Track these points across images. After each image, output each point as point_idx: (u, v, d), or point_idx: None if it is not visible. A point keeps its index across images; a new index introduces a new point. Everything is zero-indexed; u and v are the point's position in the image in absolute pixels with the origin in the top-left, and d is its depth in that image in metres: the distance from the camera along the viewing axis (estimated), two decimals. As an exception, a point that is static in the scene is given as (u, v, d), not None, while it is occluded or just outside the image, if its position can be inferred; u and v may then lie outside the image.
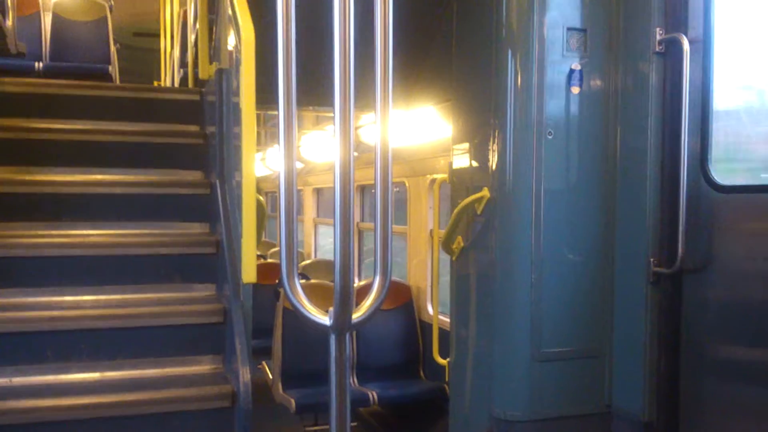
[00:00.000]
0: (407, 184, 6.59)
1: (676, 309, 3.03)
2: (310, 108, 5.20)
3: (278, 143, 1.51)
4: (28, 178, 3.86)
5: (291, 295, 1.53)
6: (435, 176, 5.62)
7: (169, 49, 7.50)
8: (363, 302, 1.56)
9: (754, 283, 2.77)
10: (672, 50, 2.99)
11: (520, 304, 3.19)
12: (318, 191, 10.24)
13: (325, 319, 1.54)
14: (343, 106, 1.44)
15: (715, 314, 2.94)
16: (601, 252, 3.27)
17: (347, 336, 1.58)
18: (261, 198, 3.24)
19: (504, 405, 3.28)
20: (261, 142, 7.92)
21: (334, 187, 1.47)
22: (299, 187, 10.44)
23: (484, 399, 3.42)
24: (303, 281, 7.17)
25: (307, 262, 9.30)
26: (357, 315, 1.54)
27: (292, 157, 1.52)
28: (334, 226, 1.48)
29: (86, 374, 3.16)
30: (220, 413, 3.04)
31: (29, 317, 3.17)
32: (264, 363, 6.48)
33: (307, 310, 1.54)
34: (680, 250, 2.92)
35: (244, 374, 2.92)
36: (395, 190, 7.46)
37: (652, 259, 3.07)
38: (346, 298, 1.49)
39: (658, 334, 3.08)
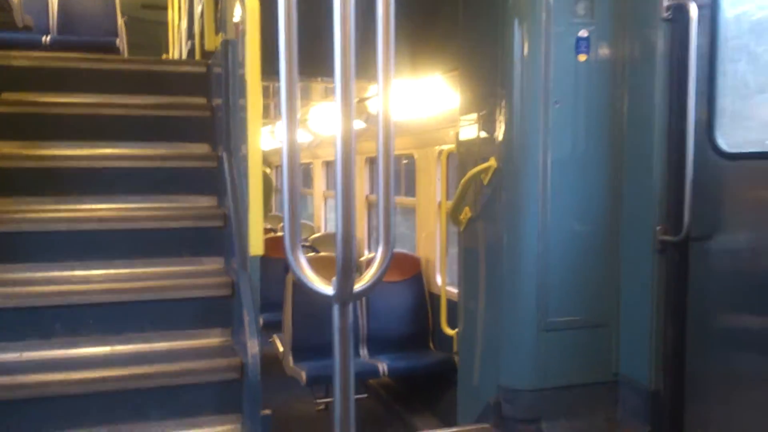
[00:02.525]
0: (416, 156, 6.56)
1: (682, 277, 3.02)
2: (318, 79, 5.16)
3: (280, 116, 1.50)
4: (36, 152, 3.87)
5: (294, 266, 1.54)
6: (443, 147, 5.60)
7: (177, 21, 7.47)
8: (366, 272, 1.56)
9: (761, 251, 2.75)
10: (679, 16, 2.94)
11: (526, 274, 3.19)
12: (327, 164, 10.22)
13: (328, 289, 1.54)
14: (344, 76, 1.42)
15: (721, 283, 2.92)
16: (608, 221, 3.25)
17: (351, 306, 1.58)
18: (268, 171, 3.24)
19: (511, 374, 3.30)
20: (270, 115, 7.87)
21: (335, 160, 1.47)
22: (309, 161, 10.42)
23: (491, 368, 3.44)
24: (312, 254, 7.21)
25: (316, 235, 9.32)
26: (360, 284, 1.55)
27: (294, 130, 1.51)
28: (336, 196, 1.47)
29: (96, 348, 3.19)
30: (230, 385, 3.07)
31: (38, 292, 3.20)
32: (275, 336, 6.54)
33: (310, 281, 1.54)
34: (687, 218, 2.91)
35: (252, 346, 2.94)
36: (404, 162, 7.44)
37: (658, 228, 3.05)
38: (347, 268, 1.49)
39: (664, 302, 3.07)
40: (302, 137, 9.26)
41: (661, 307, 3.08)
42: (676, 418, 3.06)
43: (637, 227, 3.17)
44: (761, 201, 2.83)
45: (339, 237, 1.48)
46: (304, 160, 10.63)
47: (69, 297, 3.20)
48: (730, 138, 2.86)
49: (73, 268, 3.43)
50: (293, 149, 1.49)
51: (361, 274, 1.56)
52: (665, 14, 2.98)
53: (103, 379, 2.96)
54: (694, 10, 2.85)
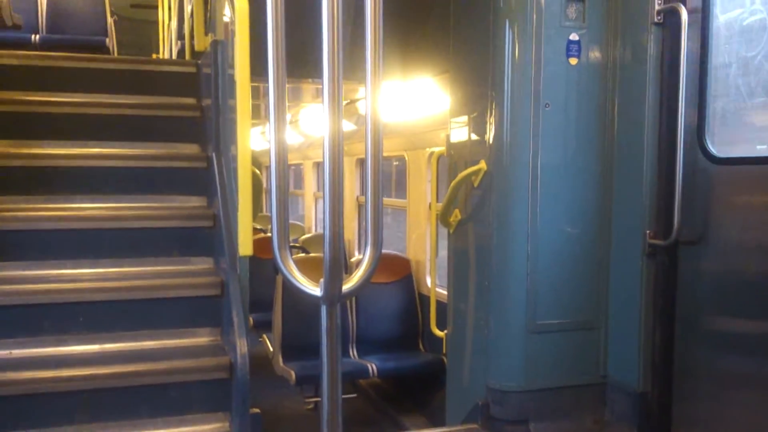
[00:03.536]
0: (406, 158, 6.57)
1: (671, 281, 3.03)
2: (309, 80, 5.16)
3: (268, 117, 1.51)
4: (25, 151, 3.85)
5: (282, 267, 1.54)
6: (433, 149, 5.60)
7: (167, 21, 7.44)
8: (354, 273, 1.57)
9: (749, 255, 2.77)
10: (671, 21, 2.96)
11: (515, 277, 3.20)
12: (318, 165, 10.21)
13: (316, 290, 1.54)
14: (332, 77, 1.43)
15: (710, 286, 2.94)
16: (598, 224, 3.26)
17: (339, 307, 1.59)
18: (257, 171, 3.24)
19: (500, 376, 3.30)
20: (260, 116, 7.86)
21: (323, 159, 1.47)
22: (299, 162, 10.41)
23: (480, 370, 3.44)
24: (302, 255, 7.20)
25: (307, 236, 9.31)
26: (348, 285, 1.55)
27: (282, 130, 1.51)
28: (323, 197, 1.48)
29: (85, 346, 3.18)
30: (219, 384, 3.07)
31: (28, 290, 3.19)
32: (264, 336, 6.53)
33: (298, 281, 1.54)
34: (676, 222, 2.92)
35: (242, 346, 2.94)
36: (395, 163, 7.44)
37: (648, 231, 3.07)
38: (335, 269, 1.50)
39: (653, 305, 3.09)
40: (293, 138, 9.24)
41: (650, 310, 3.10)
42: (664, 419, 3.07)
43: (626, 230, 3.18)
44: (750, 206, 2.84)
45: (327, 237, 1.48)
46: (295, 161, 10.61)
47: (58, 295, 3.20)
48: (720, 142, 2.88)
49: (62, 267, 3.42)
50: (281, 150, 1.49)
51: (350, 275, 1.57)
52: (656, 18, 3.00)
53: (93, 377, 2.97)
54: (684, 15, 2.87)
